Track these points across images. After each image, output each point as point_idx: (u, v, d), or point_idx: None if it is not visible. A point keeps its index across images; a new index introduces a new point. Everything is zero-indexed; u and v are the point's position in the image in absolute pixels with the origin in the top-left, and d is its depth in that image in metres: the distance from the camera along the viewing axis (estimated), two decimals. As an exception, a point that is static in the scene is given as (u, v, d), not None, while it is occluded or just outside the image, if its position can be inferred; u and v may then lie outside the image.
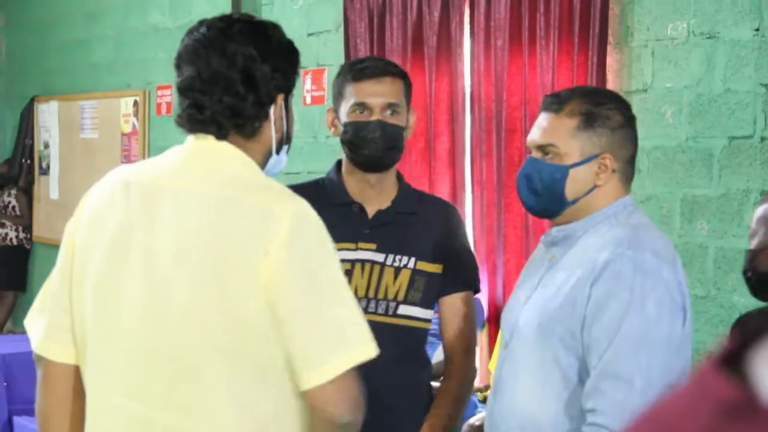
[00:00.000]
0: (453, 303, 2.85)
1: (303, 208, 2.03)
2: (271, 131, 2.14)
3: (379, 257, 2.79)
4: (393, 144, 2.80)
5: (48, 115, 9.39)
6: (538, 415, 2.28)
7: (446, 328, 2.86)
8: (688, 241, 4.50)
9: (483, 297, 5.55)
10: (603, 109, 2.37)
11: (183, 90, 2.14)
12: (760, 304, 4.22)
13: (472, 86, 5.61)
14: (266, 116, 2.12)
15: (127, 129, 8.30)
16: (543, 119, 2.40)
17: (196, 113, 2.11)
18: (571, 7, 5.00)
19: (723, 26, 4.50)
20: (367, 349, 1.98)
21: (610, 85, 4.80)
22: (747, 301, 4.31)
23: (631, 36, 4.84)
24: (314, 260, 1.99)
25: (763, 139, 4.36)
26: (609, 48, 4.89)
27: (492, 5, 5.38)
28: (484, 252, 5.55)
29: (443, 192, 5.80)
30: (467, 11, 5.60)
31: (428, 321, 2.85)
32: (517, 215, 5.36)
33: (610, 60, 4.89)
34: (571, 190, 2.36)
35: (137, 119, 8.15)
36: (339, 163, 2.93)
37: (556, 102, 2.39)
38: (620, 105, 2.45)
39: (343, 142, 2.83)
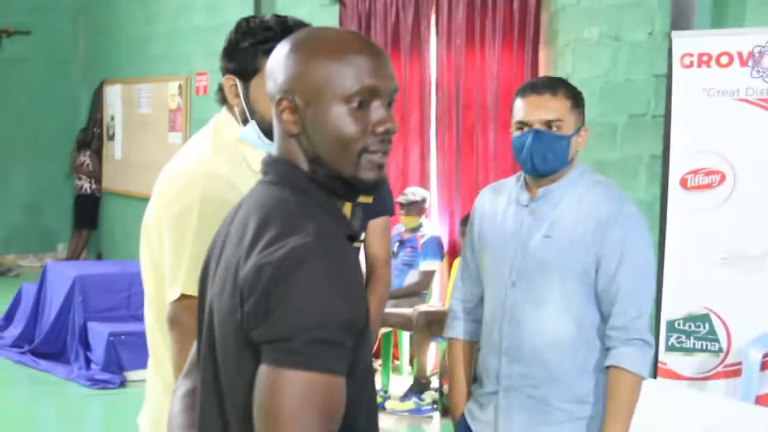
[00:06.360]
0: (378, 224, 2.69)
1: (212, 167, 1.82)
2: (234, 105, 1.91)
3: None
4: None
5: (113, 95, 9.38)
6: (561, 333, 2.20)
7: (372, 244, 2.70)
8: (597, 193, 4.56)
9: (444, 236, 5.62)
10: (579, 94, 2.32)
11: None
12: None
13: (437, 75, 5.65)
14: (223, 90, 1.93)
15: (173, 106, 8.31)
16: (541, 100, 2.26)
17: None
18: (512, 15, 5.05)
19: (625, 31, 4.54)
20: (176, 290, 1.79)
21: (541, 75, 4.84)
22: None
23: (557, 38, 4.88)
24: (177, 208, 1.82)
25: (654, 116, 4.42)
26: (540, 47, 4.93)
27: (452, 12, 5.41)
28: (446, 202, 5.62)
29: (414, 156, 5.85)
30: (434, 17, 5.64)
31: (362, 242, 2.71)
32: (471, 174, 5.42)
33: (541, 56, 4.92)
34: (570, 155, 2.29)
35: (181, 98, 8.16)
36: None
37: (549, 87, 2.27)
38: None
39: None
